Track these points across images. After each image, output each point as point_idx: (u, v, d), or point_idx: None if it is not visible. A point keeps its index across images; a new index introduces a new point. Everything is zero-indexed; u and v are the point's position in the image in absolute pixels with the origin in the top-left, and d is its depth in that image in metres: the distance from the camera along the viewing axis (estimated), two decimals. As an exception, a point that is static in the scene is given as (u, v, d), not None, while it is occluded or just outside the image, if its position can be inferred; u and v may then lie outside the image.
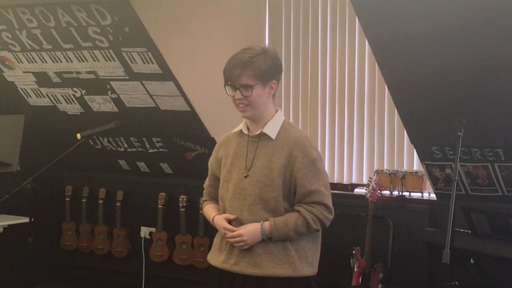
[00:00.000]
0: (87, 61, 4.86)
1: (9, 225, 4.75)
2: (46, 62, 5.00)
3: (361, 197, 4.65)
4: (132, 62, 4.73)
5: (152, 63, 4.68)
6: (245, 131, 2.81)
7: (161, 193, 5.40)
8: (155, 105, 5.00)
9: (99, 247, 5.68)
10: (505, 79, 3.73)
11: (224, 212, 2.80)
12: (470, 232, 4.12)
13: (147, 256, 5.52)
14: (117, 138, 5.39)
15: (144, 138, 5.29)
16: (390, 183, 4.73)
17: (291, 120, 5.15)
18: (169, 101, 4.91)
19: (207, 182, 2.97)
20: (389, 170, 4.79)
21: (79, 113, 5.33)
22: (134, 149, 5.41)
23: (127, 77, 4.87)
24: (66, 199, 5.76)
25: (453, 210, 3.10)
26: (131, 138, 5.33)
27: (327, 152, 5.23)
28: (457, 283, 3.11)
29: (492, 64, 3.68)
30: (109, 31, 4.56)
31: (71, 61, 4.91)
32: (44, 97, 5.33)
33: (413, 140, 4.46)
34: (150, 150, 5.36)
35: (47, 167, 4.58)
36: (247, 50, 2.71)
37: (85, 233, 5.74)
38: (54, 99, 5.31)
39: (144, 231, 5.59)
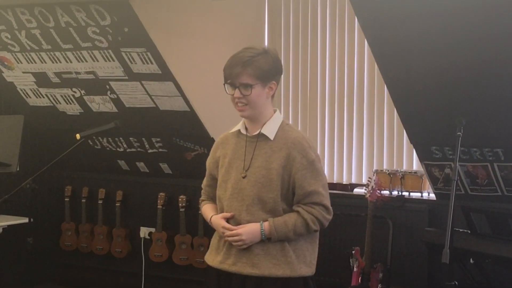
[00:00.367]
0: (86, 61, 4.86)
1: (8, 226, 4.74)
2: (46, 63, 5.00)
3: (361, 197, 4.65)
4: (132, 62, 4.73)
5: (152, 63, 4.68)
6: (243, 131, 2.81)
7: (161, 193, 5.40)
8: (154, 105, 5.00)
9: (98, 247, 5.68)
10: (504, 79, 3.73)
11: (222, 212, 2.79)
12: (469, 232, 4.12)
13: (147, 256, 5.52)
14: (116, 139, 5.39)
15: (143, 138, 5.29)
16: (390, 183, 4.73)
17: (290, 120, 5.15)
18: (169, 101, 4.92)
19: (205, 182, 2.97)
20: (388, 170, 4.78)
21: (79, 114, 5.33)
22: (133, 149, 5.42)
23: (126, 77, 4.87)
24: (66, 199, 5.77)
25: (452, 210, 3.09)
26: (131, 138, 5.33)
27: (326, 152, 5.23)
28: (456, 283, 3.11)
29: (491, 64, 3.68)
30: (109, 31, 4.56)
31: (71, 62, 4.91)
32: (44, 97, 5.34)
33: (413, 140, 4.46)
34: (150, 150, 5.36)
35: (47, 168, 4.56)
36: (249, 49, 2.71)
37: (85, 233, 5.74)
38: (54, 99, 5.31)
39: (144, 231, 5.59)
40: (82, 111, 5.29)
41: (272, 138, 2.74)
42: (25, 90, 5.35)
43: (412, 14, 3.64)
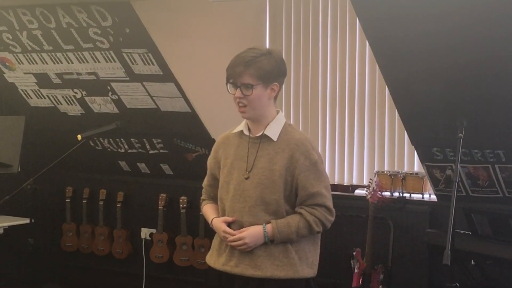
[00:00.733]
0: (87, 62, 4.86)
1: (9, 226, 4.75)
2: (47, 63, 5.01)
3: (362, 198, 4.64)
4: (133, 63, 4.74)
5: (153, 64, 4.68)
6: (246, 132, 2.80)
7: (162, 194, 5.40)
8: (155, 106, 5.00)
9: (99, 248, 5.68)
10: (505, 80, 3.73)
11: (224, 213, 2.79)
12: (470, 233, 4.12)
13: (148, 257, 5.52)
14: (117, 139, 5.39)
15: (144, 139, 5.29)
16: (391, 184, 4.72)
17: (291, 121, 5.14)
18: (170, 102, 4.92)
19: (206, 182, 2.97)
20: (389, 171, 4.78)
21: (80, 114, 5.34)
22: (134, 150, 5.41)
23: (127, 78, 4.87)
24: (67, 200, 5.76)
25: (453, 211, 3.09)
26: (132, 139, 5.33)
27: (327, 153, 5.23)
28: (457, 284, 3.10)
29: (492, 64, 3.68)
30: (110, 32, 4.56)
31: (72, 62, 4.91)
32: (45, 98, 5.34)
33: (414, 141, 4.46)
34: (151, 151, 5.36)
35: (48, 168, 4.57)
36: (252, 49, 2.71)
37: (86, 234, 5.74)
38: (55, 100, 5.31)
39: (145, 232, 5.58)
40: (83, 112, 5.29)
41: (275, 139, 2.74)
42: (26, 91, 5.35)
43: (413, 14, 3.63)
